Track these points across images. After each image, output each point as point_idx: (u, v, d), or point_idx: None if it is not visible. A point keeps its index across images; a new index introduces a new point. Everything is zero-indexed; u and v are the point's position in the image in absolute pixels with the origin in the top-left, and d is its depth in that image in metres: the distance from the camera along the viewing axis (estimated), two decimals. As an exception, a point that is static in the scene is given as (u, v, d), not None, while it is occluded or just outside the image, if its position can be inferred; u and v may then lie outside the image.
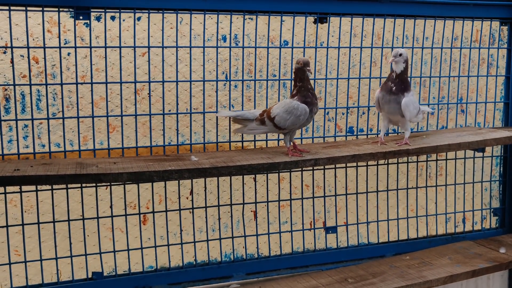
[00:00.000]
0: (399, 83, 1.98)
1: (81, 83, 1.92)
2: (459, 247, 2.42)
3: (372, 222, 2.42)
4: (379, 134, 2.16)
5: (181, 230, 2.10)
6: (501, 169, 2.65)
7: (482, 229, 2.64)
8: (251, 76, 2.16)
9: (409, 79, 2.03)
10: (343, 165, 2.33)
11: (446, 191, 2.54)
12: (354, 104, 2.35)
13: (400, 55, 1.97)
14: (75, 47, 1.88)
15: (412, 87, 2.09)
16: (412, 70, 2.41)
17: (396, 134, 2.42)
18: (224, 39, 2.11)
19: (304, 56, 2.22)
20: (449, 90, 2.50)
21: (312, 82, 2.12)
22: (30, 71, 1.87)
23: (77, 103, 1.91)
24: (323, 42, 2.26)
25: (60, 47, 1.86)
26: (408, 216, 2.48)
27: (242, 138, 2.17)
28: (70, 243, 1.95)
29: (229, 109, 2.14)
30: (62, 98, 1.89)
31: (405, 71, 1.99)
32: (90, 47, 1.90)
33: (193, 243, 2.11)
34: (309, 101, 1.84)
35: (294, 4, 2.14)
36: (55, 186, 1.92)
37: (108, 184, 1.99)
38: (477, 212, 2.63)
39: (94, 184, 1.96)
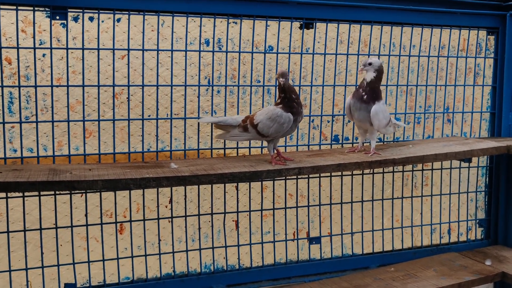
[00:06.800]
0: (370, 92, 1.95)
1: (57, 86, 1.85)
2: (445, 259, 2.38)
3: (357, 233, 2.38)
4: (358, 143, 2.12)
5: (159, 240, 2.03)
6: (487, 180, 2.63)
7: (467, 240, 2.61)
8: (235, 82, 2.11)
9: (381, 88, 2.00)
10: (328, 174, 2.28)
11: (432, 202, 2.51)
12: (339, 112, 2.31)
13: (370, 64, 1.95)
14: (51, 48, 1.81)
15: (383, 96, 2.04)
16: (399, 78, 2.38)
17: (381, 143, 2.38)
18: (207, 43, 2.06)
19: (289, 62, 2.16)
20: (436, 99, 2.47)
21: (297, 89, 2.09)
22: (2, 72, 1.78)
23: (52, 107, 1.83)
24: (308, 48, 2.21)
25: (34, 48, 1.79)
26: (393, 227, 2.44)
27: (224, 145, 2.10)
28: (42, 253, 1.86)
29: (211, 115, 2.08)
30: (36, 101, 1.82)
31: (376, 80, 1.96)
32: (67, 49, 1.83)
33: (171, 254, 2.04)
34: (294, 111, 1.78)
35: (280, 8, 2.08)
36: (26, 193, 1.83)
37: (83, 191, 1.90)
38: (462, 223, 2.60)
39: (68, 192, 1.88)
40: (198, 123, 2.04)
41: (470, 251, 2.48)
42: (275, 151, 1.88)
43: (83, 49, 1.85)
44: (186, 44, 1.98)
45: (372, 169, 2.35)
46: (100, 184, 1.60)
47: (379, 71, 1.96)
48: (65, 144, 1.89)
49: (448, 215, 2.55)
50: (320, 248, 2.30)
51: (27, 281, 1.86)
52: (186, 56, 1.99)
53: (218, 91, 2.10)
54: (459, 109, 2.53)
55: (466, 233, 2.61)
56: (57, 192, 1.87)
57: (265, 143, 2.09)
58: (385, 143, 2.38)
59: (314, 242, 2.29)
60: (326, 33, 2.20)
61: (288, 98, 1.77)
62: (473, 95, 2.54)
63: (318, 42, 2.22)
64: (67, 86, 1.85)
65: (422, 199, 2.49)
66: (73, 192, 1.89)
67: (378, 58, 2.05)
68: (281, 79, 1.74)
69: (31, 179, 1.55)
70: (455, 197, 2.56)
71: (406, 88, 2.41)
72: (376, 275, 2.21)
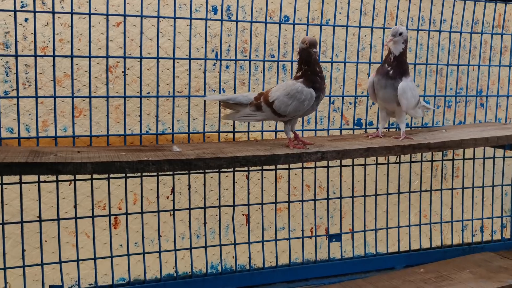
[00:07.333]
0: (397, 66, 1.76)
1: (41, 56, 1.69)
2: (479, 259, 2.19)
3: (381, 230, 2.19)
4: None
5: (159, 236, 1.86)
6: (523, 172, 2.40)
7: (502, 239, 2.42)
8: (246, 56, 1.94)
9: (407, 62, 1.81)
10: (350, 162, 2.08)
11: (463, 195, 2.29)
12: (363, 92, 2.11)
13: (400, 34, 1.74)
14: (34, 12, 1.63)
15: (410, 71, 1.82)
16: (428, 56, 2.16)
17: (409, 128, 2.14)
18: (215, 10, 1.88)
19: (307, 34, 1.94)
20: (468, 80, 2.24)
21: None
22: (-23, 38, 1.63)
23: (36, 80, 1.66)
24: (329, 20, 2.03)
25: (15, 11, 1.61)
26: (420, 223, 2.24)
27: (234, 128, 1.89)
28: (23, 250, 1.69)
29: (219, 94, 1.85)
30: (16, 73, 1.64)
31: (404, 52, 1.77)
32: (53, 13, 1.65)
33: (173, 252, 1.89)
34: (317, 86, 1.58)
35: (297, -27, 1.89)
36: (6, 180, 1.66)
37: (72, 179, 1.73)
38: (496, 219, 2.40)
39: (54, 178, 1.71)
40: (204, 101, 1.84)
41: (507, 251, 2.29)
42: (293, 134, 1.65)
43: (71, 13, 1.66)
44: (191, 11, 1.81)
45: (398, 158, 2.14)
46: (89, 167, 1.40)
47: (406, 42, 1.78)
48: (51, 124, 1.72)
49: (481, 210, 2.35)
50: (341, 247, 2.13)
51: (5, 282, 1.71)
52: (190, 25, 1.81)
53: (227, 66, 1.92)
54: (493, 92, 2.34)
55: (500, 231, 2.41)
56: (41, 179, 1.70)
57: (280, 126, 1.86)
58: (412, 128, 2.14)
59: (334, 240, 2.12)
60: (348, 3, 2.01)
61: (312, 71, 1.58)
62: (509, 77, 2.34)
63: (340, 13, 2.04)
64: (53, 56, 1.67)
65: (452, 192, 2.30)
66: (60, 179, 1.72)
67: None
68: (314, 49, 1.55)
69: (8, 160, 1.35)
70: (489, 190, 2.36)
71: (436, 67, 2.20)
72: (404, 277, 2.02)
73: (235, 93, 1.88)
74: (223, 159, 1.50)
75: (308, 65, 1.57)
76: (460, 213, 2.29)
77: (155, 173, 1.79)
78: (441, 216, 2.27)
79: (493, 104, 2.32)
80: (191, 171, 1.85)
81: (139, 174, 1.77)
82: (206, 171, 1.86)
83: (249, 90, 1.90)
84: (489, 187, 2.34)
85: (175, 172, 1.83)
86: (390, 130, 2.11)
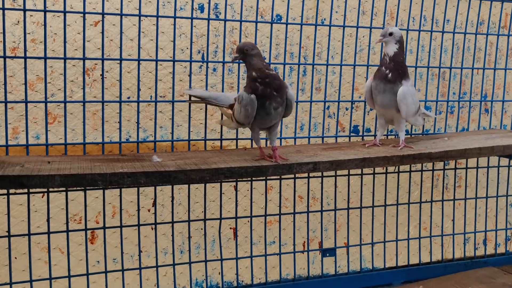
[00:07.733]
0: (395, 68, 1.66)
1: (11, 57, 1.60)
2: (482, 275, 2.08)
3: (378, 243, 2.08)
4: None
5: (139, 251, 1.77)
6: (529, 181, 2.29)
7: (506, 252, 2.32)
8: None
9: (406, 64, 1.71)
10: (345, 172, 1.97)
11: (465, 206, 2.19)
12: (360, 97, 2.00)
13: (391, 34, 1.66)
14: (3, 9, 1.52)
15: (411, 75, 1.72)
16: (430, 58, 2.03)
17: (409, 136, 2.02)
18: (202, 9, 1.79)
19: (301, 35, 1.83)
20: (472, 84, 2.14)
21: (309, 68, 1.78)
22: None
23: (5, 84, 1.56)
24: (324, 19, 1.93)
25: None
26: (420, 236, 2.14)
27: (221, 135, 1.77)
28: None
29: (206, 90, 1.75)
30: None
31: (400, 53, 1.68)
32: (24, 10, 1.54)
33: (155, 268, 1.79)
34: (258, 92, 1.41)
35: (290, -31, 1.77)
36: None
37: (45, 190, 1.61)
38: (500, 232, 2.30)
39: (25, 190, 1.58)
40: (189, 106, 1.74)
41: (511, 266, 2.14)
42: (273, 146, 1.50)
43: (45, 11, 1.56)
44: (175, 9, 1.71)
45: (397, 167, 2.02)
46: (58, 180, 1.30)
47: (401, 43, 1.68)
48: (22, 132, 1.64)
49: (484, 222, 2.24)
50: (335, 262, 2.03)
51: (-30, 303, 1.61)
52: (175, 25, 1.70)
53: (214, 69, 1.83)
54: (498, 97, 2.23)
55: (504, 244, 2.31)
56: (10, 191, 1.58)
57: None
58: (413, 136, 2.02)
59: (327, 255, 2.03)
60: (345, 2, 1.90)
61: (249, 77, 1.43)
62: (515, 81, 2.23)
63: (336, 12, 1.94)
64: (25, 58, 1.57)
65: (454, 203, 2.19)
66: (31, 191, 1.60)
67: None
68: (234, 55, 1.41)
69: (-34, 172, 1.24)
70: (493, 201, 2.26)
71: (439, 70, 2.10)
72: (403, 295, 1.87)
73: (222, 98, 1.78)
74: (205, 171, 1.40)
75: (247, 71, 1.43)
76: (462, 225, 2.19)
77: (134, 185, 1.68)
78: (442, 228, 2.16)
79: (498, 110, 2.22)
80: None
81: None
82: (191, 181, 1.76)
83: (237, 95, 1.80)
84: (493, 197, 2.23)
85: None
86: (389, 137, 2.00)
